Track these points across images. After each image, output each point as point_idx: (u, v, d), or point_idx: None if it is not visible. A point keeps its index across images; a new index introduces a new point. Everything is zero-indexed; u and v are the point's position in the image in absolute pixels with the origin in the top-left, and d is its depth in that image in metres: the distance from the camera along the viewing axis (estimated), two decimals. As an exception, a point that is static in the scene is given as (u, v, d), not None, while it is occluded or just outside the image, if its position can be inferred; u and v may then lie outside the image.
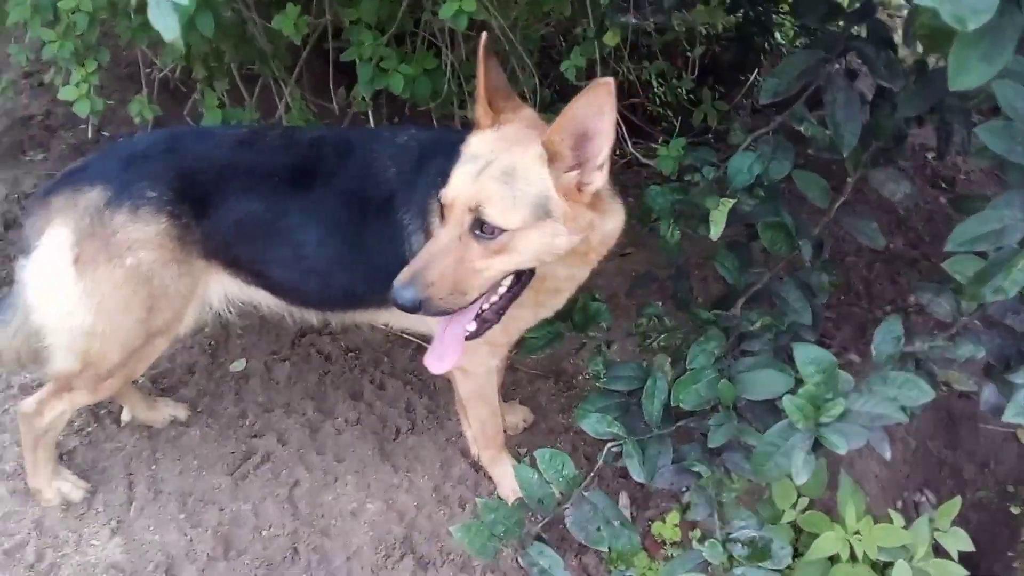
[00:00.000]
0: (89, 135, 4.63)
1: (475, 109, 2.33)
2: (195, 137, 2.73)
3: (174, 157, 2.57)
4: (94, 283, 2.50)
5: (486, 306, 2.29)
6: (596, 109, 2.04)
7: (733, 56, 5.13)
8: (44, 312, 2.58)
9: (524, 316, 2.66)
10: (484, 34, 2.22)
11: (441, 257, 2.14)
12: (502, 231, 2.13)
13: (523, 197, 2.13)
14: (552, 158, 2.14)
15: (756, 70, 5.24)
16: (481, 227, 2.12)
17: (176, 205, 2.51)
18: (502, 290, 2.29)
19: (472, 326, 2.29)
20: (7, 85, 4.34)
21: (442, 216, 2.21)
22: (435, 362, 2.32)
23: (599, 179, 2.18)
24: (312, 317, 2.93)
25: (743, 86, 5.27)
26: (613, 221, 2.38)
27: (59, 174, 2.70)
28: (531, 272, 2.30)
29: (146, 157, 2.58)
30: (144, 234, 2.48)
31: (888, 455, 2.30)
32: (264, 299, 2.81)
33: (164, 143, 2.65)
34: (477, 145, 2.25)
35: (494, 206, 2.11)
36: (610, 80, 2.00)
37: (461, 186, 2.16)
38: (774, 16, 4.87)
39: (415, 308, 2.11)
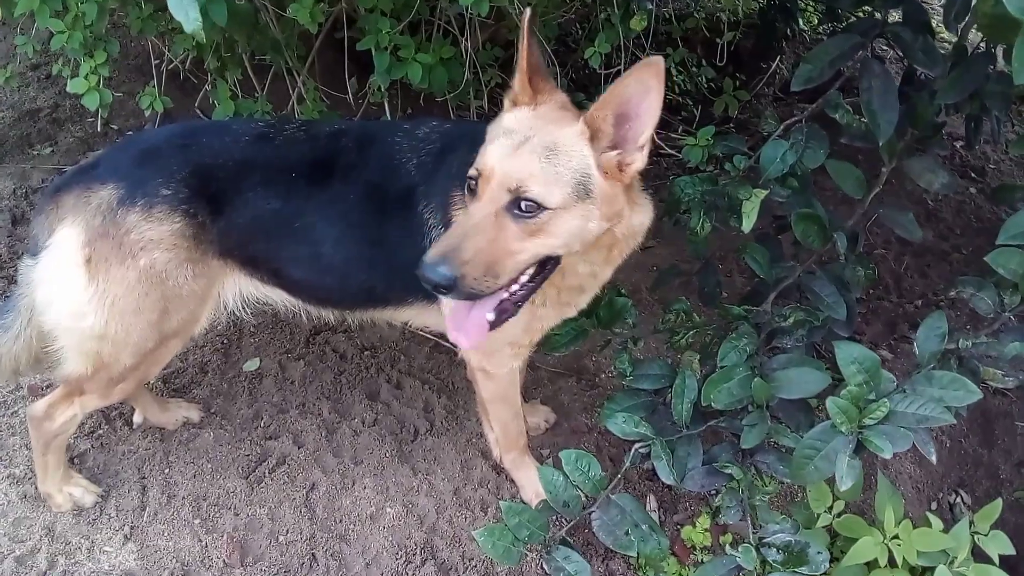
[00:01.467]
0: (98, 128, 4.55)
1: (514, 85, 2.22)
2: (211, 132, 2.63)
3: (189, 153, 2.48)
4: (106, 284, 2.41)
5: (505, 295, 2.17)
6: (644, 88, 1.98)
7: (754, 43, 5.03)
8: (54, 314, 2.49)
9: (547, 316, 2.57)
10: (528, 9, 2.14)
11: (476, 234, 2.03)
12: (543, 209, 2.03)
13: (566, 174, 2.04)
14: (594, 136, 2.07)
15: (778, 57, 5.14)
16: (520, 205, 2.03)
17: (191, 203, 2.42)
18: (524, 279, 2.17)
19: (491, 315, 2.17)
20: (12, 75, 4.26)
21: (472, 192, 2.11)
22: (461, 338, 2.20)
23: (640, 160, 2.10)
24: (330, 315, 2.85)
25: (764, 73, 5.18)
26: (640, 215, 2.30)
27: (69, 171, 2.62)
28: (556, 262, 2.20)
29: (160, 153, 2.49)
30: (158, 233, 2.39)
31: (934, 459, 2.21)
32: (281, 298, 2.72)
33: (179, 138, 2.55)
34: (513, 122, 2.16)
35: (537, 183, 2.02)
36: (660, 59, 1.94)
37: (499, 160, 2.06)
38: (798, 1, 4.76)
39: (449, 287, 2.00)
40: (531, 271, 2.17)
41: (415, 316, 2.81)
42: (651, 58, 1.94)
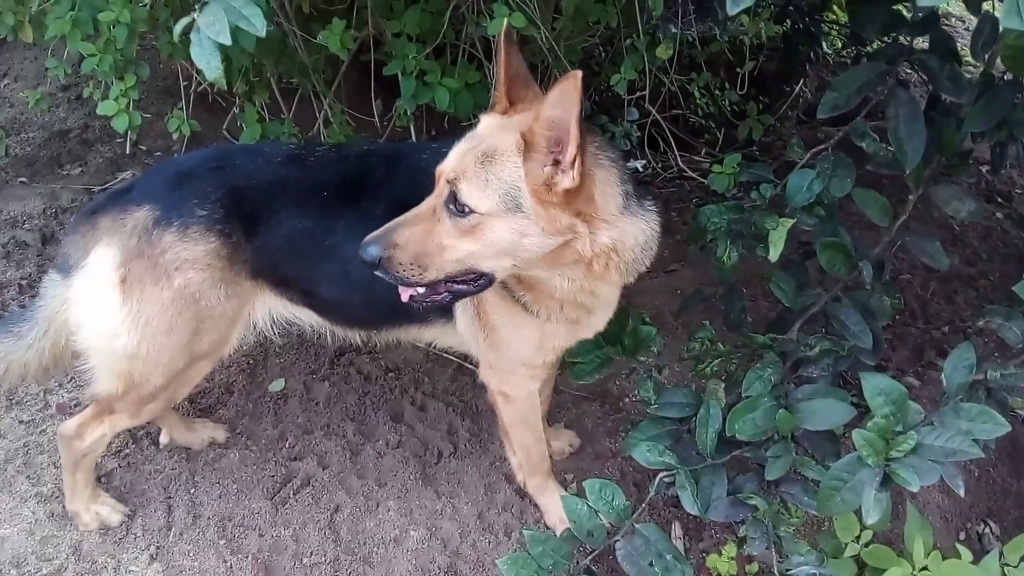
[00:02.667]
0: (127, 149, 4.60)
1: (493, 93, 2.26)
2: (244, 154, 2.68)
3: (223, 174, 2.52)
4: (140, 304, 2.45)
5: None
6: (564, 105, 1.93)
7: (778, 66, 5.03)
8: (87, 334, 2.53)
9: (557, 333, 2.56)
10: (506, 20, 2.23)
11: (413, 223, 2.13)
12: (471, 211, 2.07)
13: (495, 182, 2.06)
14: (528, 149, 2.05)
15: (802, 80, 5.13)
16: (455, 201, 2.07)
17: (226, 223, 2.46)
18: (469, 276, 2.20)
19: (422, 289, 2.20)
20: (42, 98, 4.32)
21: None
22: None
23: (567, 180, 2.05)
24: (356, 336, 2.87)
25: (788, 97, 5.17)
26: (619, 231, 2.21)
27: (104, 195, 2.65)
28: (489, 280, 2.21)
29: (194, 175, 2.53)
30: (193, 253, 2.43)
31: (962, 492, 2.19)
32: (309, 318, 2.76)
33: (212, 160, 2.61)
34: (481, 126, 2.22)
35: (468, 183, 2.06)
36: (578, 73, 1.89)
37: (449, 160, 2.14)
38: (822, 25, 4.75)
39: (373, 265, 2.10)
40: (467, 278, 2.19)
41: (439, 336, 2.83)
42: (570, 73, 1.90)
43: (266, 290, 2.64)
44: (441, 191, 2.12)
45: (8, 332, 2.67)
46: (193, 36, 1.64)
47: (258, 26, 1.65)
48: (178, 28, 1.68)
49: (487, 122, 2.22)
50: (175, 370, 2.59)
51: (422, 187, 2.51)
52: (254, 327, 2.70)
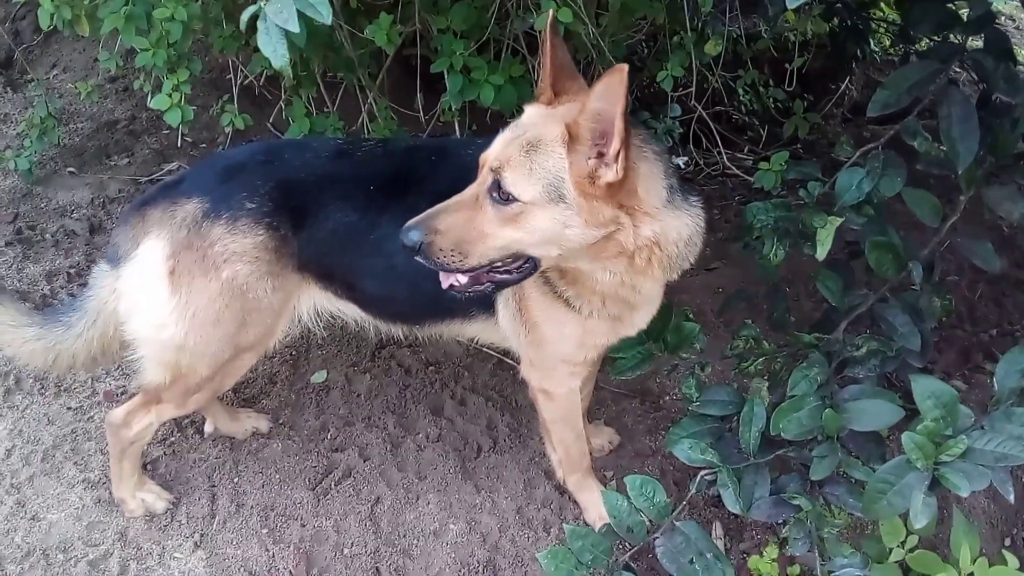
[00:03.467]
0: (177, 142, 4.66)
1: (538, 84, 2.27)
2: (292, 148, 2.71)
3: (272, 168, 2.55)
4: (188, 296, 2.48)
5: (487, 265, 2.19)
6: (610, 98, 1.94)
7: (824, 64, 4.97)
8: (136, 324, 2.58)
9: (599, 330, 2.55)
10: (551, 12, 2.21)
11: (456, 209, 2.13)
12: (514, 200, 2.07)
13: (539, 172, 2.07)
14: (573, 141, 2.05)
15: (848, 78, 5.07)
16: (498, 189, 2.08)
17: (275, 216, 2.49)
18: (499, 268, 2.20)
19: (464, 279, 2.20)
20: (92, 90, 4.40)
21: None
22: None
23: (609, 173, 2.05)
24: (399, 331, 2.89)
25: (833, 94, 5.11)
26: (661, 224, 2.21)
27: (154, 187, 2.69)
28: (533, 264, 2.21)
29: (244, 169, 2.56)
30: (242, 246, 2.46)
31: (1012, 498, 2.15)
32: (353, 312, 2.78)
33: (262, 155, 2.64)
34: (526, 116, 2.23)
35: (512, 172, 2.07)
36: (624, 67, 1.90)
37: (494, 147, 2.15)
38: (870, 23, 4.69)
39: (414, 250, 2.10)
40: (509, 264, 2.19)
41: (480, 331, 2.84)
42: (616, 66, 1.91)
43: (311, 283, 2.67)
44: (484, 179, 2.12)
45: (58, 322, 2.73)
46: (260, 24, 1.65)
47: (324, 13, 1.66)
48: (245, 16, 1.69)
49: (532, 112, 2.23)
50: (221, 361, 2.62)
51: (467, 183, 2.53)
52: (299, 320, 2.73)
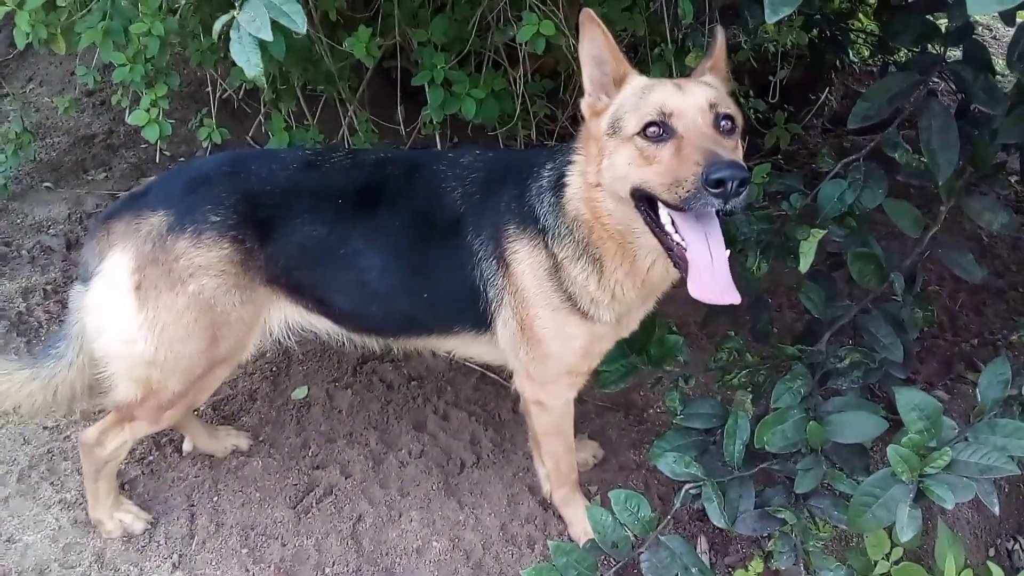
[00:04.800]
0: (155, 156, 4.63)
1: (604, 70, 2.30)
2: (259, 159, 2.65)
3: (237, 180, 2.51)
4: (156, 311, 2.44)
5: None
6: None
7: (803, 75, 4.99)
8: (105, 340, 2.53)
9: (606, 337, 2.57)
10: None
11: (719, 144, 2.07)
12: (736, 127, 2.20)
13: (730, 101, 2.24)
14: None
15: (827, 89, 5.10)
16: (721, 122, 2.15)
17: (240, 229, 2.45)
18: None
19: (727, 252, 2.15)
20: (70, 105, 4.35)
21: (658, 137, 2.11)
22: (717, 294, 2.09)
23: None
24: (374, 344, 2.86)
25: (813, 105, 5.14)
26: None
27: (120, 199, 2.65)
28: None
29: (209, 180, 2.52)
30: (207, 259, 2.42)
31: (996, 509, 2.15)
32: (325, 326, 2.74)
33: (227, 166, 2.59)
34: (644, 80, 2.28)
35: (724, 104, 2.18)
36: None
37: (680, 96, 2.16)
38: (849, 34, 4.72)
39: (746, 182, 1.97)
40: None
41: (459, 346, 2.82)
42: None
43: (281, 297, 2.63)
44: (701, 119, 2.12)
45: (47, 356, 2.68)
46: (233, 34, 1.64)
47: (298, 23, 1.64)
48: (217, 26, 1.67)
49: (640, 79, 2.29)
50: (193, 376, 2.58)
51: (440, 198, 2.52)
52: (270, 334, 2.68)
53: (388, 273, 2.54)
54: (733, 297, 2.11)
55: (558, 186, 2.41)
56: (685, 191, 2.00)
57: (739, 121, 2.22)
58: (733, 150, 2.13)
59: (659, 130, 2.11)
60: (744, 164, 2.01)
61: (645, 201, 2.16)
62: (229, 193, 2.47)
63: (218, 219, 2.43)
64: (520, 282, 2.46)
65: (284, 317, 2.67)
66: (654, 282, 2.43)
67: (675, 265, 2.17)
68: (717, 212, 2.07)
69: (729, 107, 2.19)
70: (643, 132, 2.13)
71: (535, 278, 2.45)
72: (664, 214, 2.13)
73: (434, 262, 2.54)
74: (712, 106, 2.14)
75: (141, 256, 2.42)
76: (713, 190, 1.95)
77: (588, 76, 2.29)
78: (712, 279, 2.09)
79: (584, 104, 2.34)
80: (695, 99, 2.15)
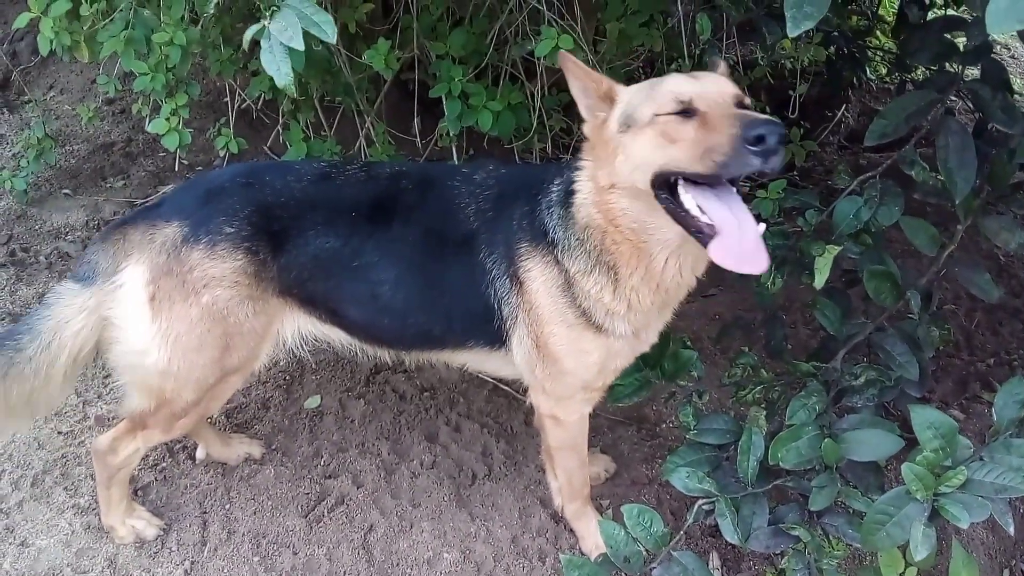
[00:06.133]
0: (173, 165, 4.67)
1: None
2: (274, 171, 2.66)
3: (252, 191, 2.52)
4: (169, 321, 2.46)
5: None
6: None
7: (820, 92, 4.99)
8: (119, 350, 2.54)
9: (622, 352, 2.55)
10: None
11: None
12: None
13: None
14: None
15: (844, 106, 5.10)
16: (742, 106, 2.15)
17: (253, 241, 2.46)
18: None
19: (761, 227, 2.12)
20: (94, 114, 4.40)
21: (687, 113, 2.09)
22: (741, 258, 2.04)
23: None
24: (386, 355, 2.86)
25: (829, 122, 5.14)
26: None
27: (135, 210, 2.65)
28: None
29: (223, 192, 2.53)
30: (221, 271, 2.44)
31: (1011, 530, 2.13)
32: (338, 337, 2.75)
33: (242, 177, 2.60)
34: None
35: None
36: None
37: (699, 86, 2.15)
38: (867, 51, 4.72)
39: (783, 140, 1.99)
40: None
41: (472, 360, 2.81)
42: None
43: (294, 308, 2.63)
44: (728, 104, 2.11)
45: (4, 347, 2.52)
46: (264, 43, 1.65)
47: (328, 32, 1.66)
48: (248, 35, 1.69)
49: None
50: (206, 386, 2.59)
51: (454, 214, 2.52)
52: (283, 344, 2.69)
53: (401, 287, 2.55)
54: (757, 264, 2.05)
55: (567, 197, 2.40)
56: (721, 155, 1.97)
57: None
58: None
59: (681, 108, 2.09)
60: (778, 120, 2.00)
61: (666, 188, 2.13)
62: (243, 205, 2.48)
63: (232, 230, 2.45)
64: (534, 300, 2.46)
65: (297, 327, 2.68)
66: (669, 287, 2.40)
67: (703, 244, 2.09)
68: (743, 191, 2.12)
69: (743, 95, 2.19)
70: (664, 113, 2.11)
71: (549, 295, 2.45)
72: (688, 199, 2.09)
73: (448, 278, 2.55)
74: (734, 94, 2.15)
75: (156, 267, 2.44)
76: (753, 148, 1.92)
77: (583, 106, 2.33)
78: (738, 242, 2.04)
79: (586, 129, 2.36)
80: (714, 83, 2.18)
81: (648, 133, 2.14)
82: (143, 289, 2.45)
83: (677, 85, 2.15)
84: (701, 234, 2.09)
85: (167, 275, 2.43)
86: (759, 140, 1.92)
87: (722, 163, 1.98)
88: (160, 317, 2.45)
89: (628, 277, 2.38)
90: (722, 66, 2.41)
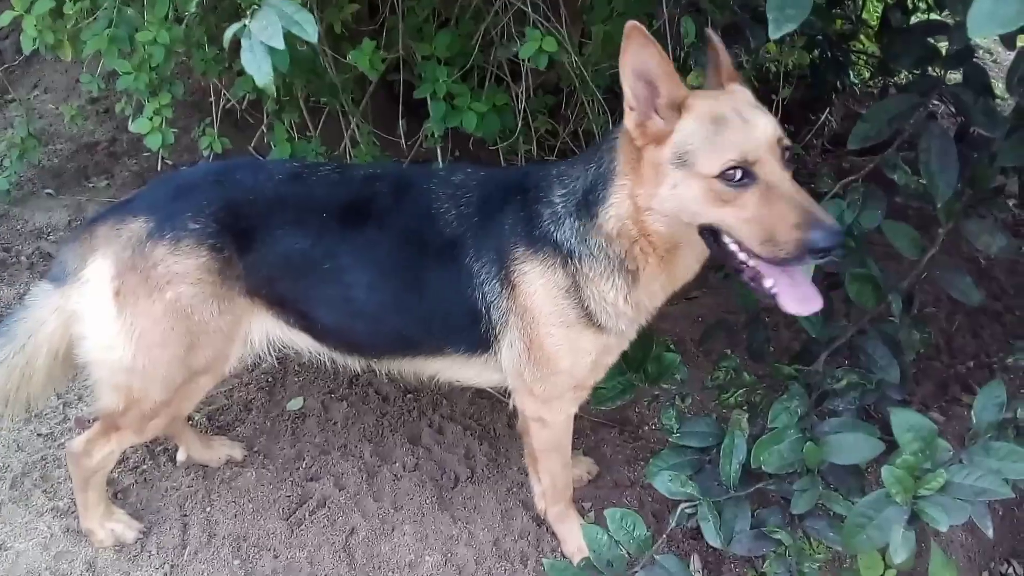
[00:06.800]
0: (157, 165, 4.62)
1: (675, 92, 2.17)
2: (246, 169, 2.64)
3: (222, 189, 2.51)
4: (134, 317, 2.44)
5: None
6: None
7: (803, 95, 5.01)
8: (87, 347, 2.52)
9: (614, 348, 2.57)
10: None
11: (801, 191, 2.06)
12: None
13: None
14: None
15: (828, 109, 5.12)
16: (786, 154, 2.12)
17: (218, 238, 2.44)
18: None
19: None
20: (77, 113, 4.37)
21: (741, 181, 2.06)
22: (805, 304, 2.17)
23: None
24: (355, 364, 2.82)
25: (813, 125, 5.16)
26: None
27: (107, 206, 2.64)
28: None
29: (193, 188, 2.52)
30: (184, 267, 2.41)
31: (991, 533, 2.14)
32: (306, 343, 2.70)
33: (214, 175, 2.59)
34: (714, 108, 2.16)
35: (783, 133, 2.14)
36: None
37: (753, 136, 2.09)
38: (850, 55, 4.75)
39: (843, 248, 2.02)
40: None
41: (446, 368, 2.77)
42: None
43: (262, 310, 2.60)
44: (777, 161, 2.09)
45: None
46: (244, 42, 1.64)
47: (310, 32, 1.65)
48: (228, 34, 1.68)
49: (712, 102, 2.21)
50: (174, 385, 2.57)
51: (433, 217, 2.50)
52: (252, 347, 2.66)
53: (376, 291, 2.53)
54: (816, 304, 2.18)
55: (583, 211, 2.36)
56: (784, 252, 2.01)
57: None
58: (792, 180, 2.11)
59: (740, 174, 2.06)
60: (839, 225, 2.02)
61: (709, 231, 2.17)
62: (211, 201, 2.46)
63: (197, 227, 2.42)
64: (530, 302, 2.44)
65: (266, 331, 2.65)
66: (678, 277, 2.45)
67: (747, 286, 2.20)
68: None
69: (786, 137, 2.15)
70: (722, 175, 2.07)
71: (549, 297, 2.43)
72: (733, 245, 2.15)
73: (427, 282, 2.52)
74: (779, 140, 2.11)
75: (121, 262, 2.42)
76: (815, 257, 2.00)
77: (632, 92, 2.15)
78: (795, 288, 2.16)
79: (630, 121, 2.20)
80: (768, 136, 2.10)
81: (701, 186, 2.11)
82: (108, 284, 2.43)
83: (742, 138, 2.09)
84: (742, 273, 2.18)
85: (131, 270, 2.42)
86: (823, 252, 1.99)
87: (783, 260, 2.04)
88: (125, 312, 2.44)
89: (648, 282, 2.40)
90: (715, 39, 2.31)
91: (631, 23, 2.07)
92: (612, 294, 2.40)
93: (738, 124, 2.10)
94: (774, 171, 2.07)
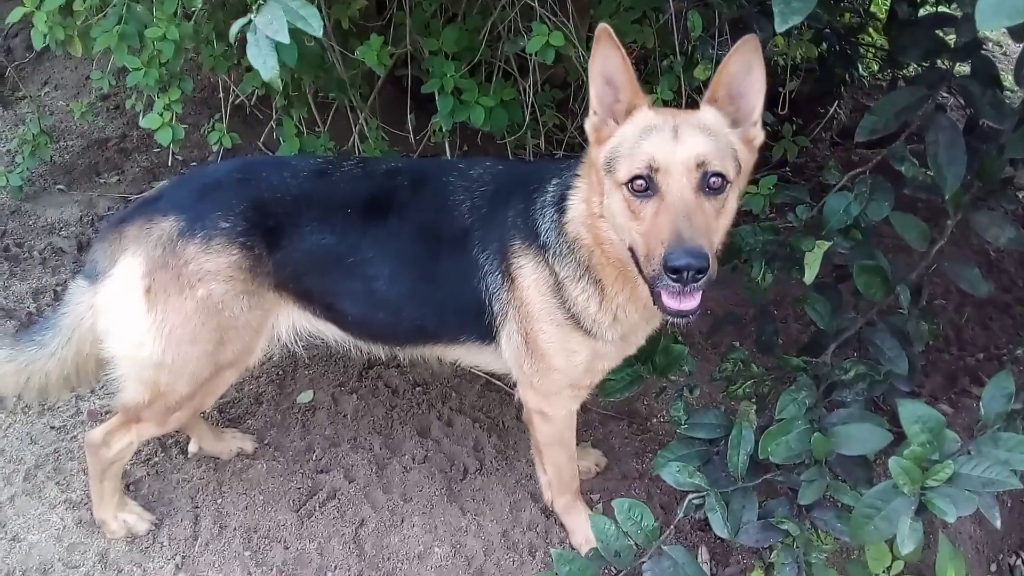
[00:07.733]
0: (167, 160, 4.67)
1: (624, 97, 2.19)
2: (270, 167, 2.68)
3: (248, 187, 2.54)
4: (164, 314, 2.47)
5: None
6: (746, 66, 2.11)
7: (812, 88, 5.00)
8: (115, 342, 2.56)
9: (609, 355, 2.58)
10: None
11: (695, 215, 2.00)
12: (727, 183, 2.08)
13: (727, 148, 2.11)
14: (724, 115, 2.17)
15: (836, 102, 5.10)
16: (709, 182, 2.05)
17: (249, 236, 2.48)
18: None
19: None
20: (87, 110, 4.39)
21: (644, 192, 2.07)
22: (680, 302, 2.05)
23: (760, 134, 2.20)
24: (380, 351, 2.88)
25: (822, 118, 5.14)
26: None
27: (133, 202, 2.67)
28: None
29: (220, 187, 2.56)
30: (216, 265, 2.45)
31: (999, 524, 2.14)
32: (332, 333, 2.76)
33: (238, 172, 2.62)
34: (648, 119, 2.15)
35: (716, 159, 2.05)
36: (754, 36, 2.07)
37: (668, 149, 2.06)
38: (859, 48, 4.73)
39: (704, 271, 1.93)
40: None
41: (465, 355, 2.83)
42: (747, 36, 2.03)
43: (289, 303, 2.65)
44: (686, 178, 2.04)
45: (31, 342, 2.68)
46: (250, 36, 1.66)
47: (315, 26, 1.66)
48: (235, 29, 1.69)
49: (649, 114, 2.18)
50: (200, 379, 2.60)
51: (449, 210, 2.53)
52: (278, 339, 2.71)
53: (396, 282, 2.56)
54: (691, 303, 2.07)
55: (560, 205, 2.40)
56: (652, 269, 2.00)
57: (734, 172, 2.11)
58: (716, 212, 2.08)
59: (644, 185, 2.07)
60: (707, 250, 1.94)
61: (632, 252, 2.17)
62: (239, 200, 2.50)
63: (228, 225, 2.46)
64: (525, 296, 2.47)
65: (292, 323, 2.70)
66: (642, 298, 2.39)
67: (654, 302, 2.13)
68: None
69: (721, 161, 2.07)
70: (631, 184, 2.08)
71: (540, 293, 2.46)
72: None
73: (442, 273, 2.57)
74: (700, 165, 2.05)
75: (152, 260, 2.45)
76: (671, 275, 1.94)
77: (596, 95, 2.20)
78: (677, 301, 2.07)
79: (589, 124, 2.25)
80: (685, 155, 2.05)
81: (620, 196, 2.13)
82: (139, 281, 2.46)
83: (655, 148, 2.07)
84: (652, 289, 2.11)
85: (163, 268, 2.45)
86: (676, 271, 1.93)
87: (651, 276, 2.02)
88: (156, 310, 2.47)
89: (614, 296, 2.41)
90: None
91: (602, 26, 2.11)
92: (583, 299, 2.42)
93: (662, 136, 2.09)
94: (677, 188, 2.04)
